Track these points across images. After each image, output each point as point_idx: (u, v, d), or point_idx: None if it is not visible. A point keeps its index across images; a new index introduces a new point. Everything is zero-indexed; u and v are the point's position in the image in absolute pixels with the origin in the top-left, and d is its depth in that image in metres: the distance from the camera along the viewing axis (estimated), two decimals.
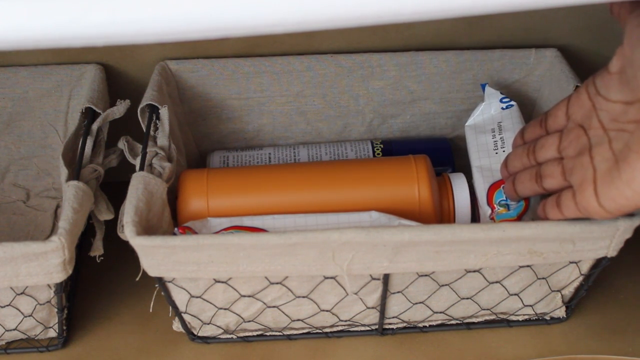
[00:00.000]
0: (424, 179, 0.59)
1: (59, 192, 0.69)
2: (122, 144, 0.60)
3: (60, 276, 0.53)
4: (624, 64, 0.45)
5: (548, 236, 0.51)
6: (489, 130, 0.64)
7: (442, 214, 0.61)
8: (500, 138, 0.63)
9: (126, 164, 0.60)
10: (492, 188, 0.60)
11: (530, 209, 0.59)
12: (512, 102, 0.65)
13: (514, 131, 0.63)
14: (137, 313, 0.64)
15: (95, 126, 0.61)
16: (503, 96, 0.65)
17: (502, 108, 0.65)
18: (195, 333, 0.60)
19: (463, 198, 0.61)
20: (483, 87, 0.66)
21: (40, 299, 0.56)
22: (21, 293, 0.55)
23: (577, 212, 0.49)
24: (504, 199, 0.59)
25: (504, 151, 0.62)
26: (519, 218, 0.59)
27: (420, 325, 0.61)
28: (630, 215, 0.52)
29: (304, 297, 0.56)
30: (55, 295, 0.56)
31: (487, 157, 0.63)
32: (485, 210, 0.60)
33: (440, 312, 0.59)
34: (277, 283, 0.55)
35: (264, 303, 0.57)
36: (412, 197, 0.59)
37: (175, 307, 0.57)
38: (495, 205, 0.60)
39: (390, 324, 0.60)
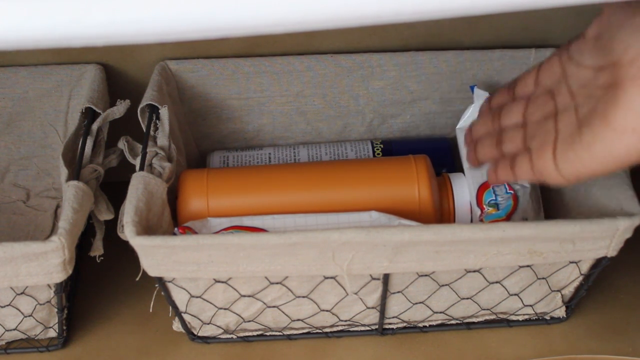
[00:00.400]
0: (424, 179, 0.59)
1: (59, 192, 0.69)
2: (122, 144, 0.60)
3: (60, 276, 0.53)
4: (601, 30, 0.45)
5: (548, 236, 0.51)
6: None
7: (442, 214, 0.61)
8: None
9: (126, 164, 0.60)
10: (482, 188, 0.60)
11: (519, 209, 0.59)
12: None
13: None
14: (137, 313, 0.64)
15: (95, 126, 0.61)
16: None
17: None
18: (195, 333, 0.60)
19: (463, 198, 0.61)
20: (472, 88, 0.66)
21: (40, 299, 0.56)
22: (21, 293, 0.55)
23: (532, 174, 0.47)
24: (493, 198, 0.59)
25: None
26: (508, 218, 0.59)
27: (420, 325, 0.61)
28: (630, 215, 0.52)
29: (304, 297, 0.56)
30: (55, 295, 0.56)
31: None
32: (475, 211, 0.60)
33: (440, 312, 0.59)
34: (277, 283, 0.55)
35: (264, 303, 0.57)
36: (412, 197, 0.59)
37: (175, 307, 0.57)
38: (484, 206, 0.60)
39: (390, 324, 0.60)
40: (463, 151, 0.64)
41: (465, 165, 0.63)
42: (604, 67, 0.44)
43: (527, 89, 0.52)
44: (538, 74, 0.51)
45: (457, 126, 0.66)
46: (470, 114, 0.66)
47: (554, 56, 0.49)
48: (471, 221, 0.61)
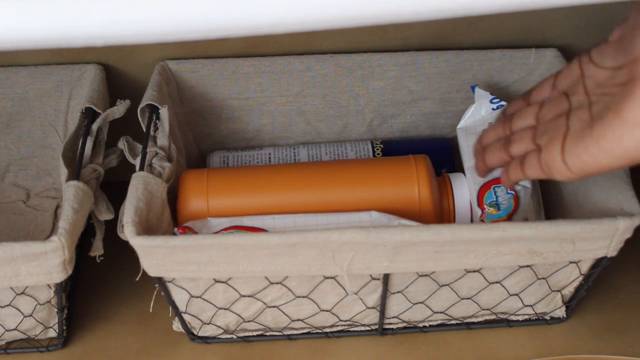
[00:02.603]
0: (424, 179, 0.59)
1: (59, 192, 0.69)
2: (122, 144, 0.60)
3: (60, 276, 0.53)
4: (624, 33, 0.45)
5: (548, 236, 0.51)
6: (480, 131, 0.64)
7: (442, 214, 0.61)
8: None
9: (126, 164, 0.60)
10: (483, 189, 0.60)
11: (520, 209, 0.59)
12: (503, 103, 0.65)
13: None
14: (137, 313, 0.64)
15: (95, 126, 0.61)
16: (493, 97, 0.65)
17: (493, 109, 0.65)
18: (195, 333, 0.60)
19: (463, 198, 0.61)
20: (473, 88, 0.66)
21: (40, 299, 0.56)
22: (21, 293, 0.55)
23: (540, 170, 0.48)
24: (494, 199, 0.59)
25: None
26: (509, 218, 0.59)
27: (420, 325, 0.61)
28: (630, 215, 0.52)
29: (304, 297, 0.56)
30: (55, 295, 0.56)
31: None
32: (476, 211, 0.60)
33: (440, 312, 0.59)
34: (277, 283, 0.55)
35: (264, 303, 0.57)
36: (412, 197, 0.59)
37: (175, 307, 0.57)
38: (485, 207, 0.60)
39: (390, 324, 0.60)
40: (464, 151, 0.64)
41: (466, 165, 0.63)
42: (623, 66, 0.44)
43: (544, 94, 0.52)
44: (556, 79, 0.51)
45: (458, 126, 0.66)
46: (471, 114, 0.66)
47: (575, 61, 0.50)
48: (472, 221, 0.61)
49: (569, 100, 0.48)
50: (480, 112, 0.65)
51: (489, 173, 0.57)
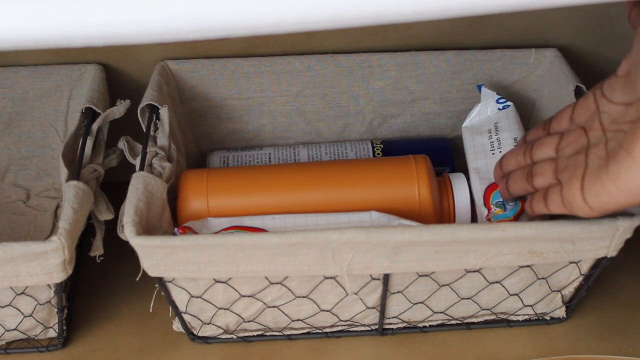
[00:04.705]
0: (424, 179, 0.59)
1: (59, 192, 0.69)
2: (122, 144, 0.60)
3: (60, 276, 0.53)
4: (630, 67, 0.46)
5: (548, 236, 0.51)
6: (486, 131, 0.64)
7: (442, 214, 0.61)
8: (497, 139, 0.63)
9: (126, 164, 0.60)
10: (489, 189, 0.60)
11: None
12: (509, 103, 0.65)
13: (510, 132, 0.63)
14: (137, 313, 0.64)
15: (95, 126, 0.61)
16: (499, 97, 0.65)
17: (499, 109, 0.65)
18: (195, 333, 0.60)
19: (463, 198, 0.61)
20: (479, 88, 0.66)
21: (40, 299, 0.56)
22: (21, 293, 0.55)
23: (562, 206, 0.49)
24: (501, 200, 0.59)
25: (500, 152, 0.62)
26: (516, 219, 0.59)
27: (420, 325, 0.61)
28: (630, 215, 0.52)
29: (304, 297, 0.56)
30: (55, 295, 0.56)
31: (483, 158, 0.63)
32: (482, 211, 0.60)
33: (440, 312, 0.59)
34: (277, 283, 0.55)
35: (264, 303, 0.57)
36: (412, 197, 0.59)
37: (175, 307, 0.57)
38: (491, 206, 0.60)
39: (390, 324, 0.60)
40: (469, 150, 0.64)
41: (471, 165, 0.63)
42: (632, 103, 0.45)
43: (562, 124, 0.53)
44: (573, 111, 0.52)
45: (463, 125, 0.66)
46: (476, 113, 0.66)
47: (589, 94, 0.50)
48: (476, 220, 0.61)
49: (587, 135, 0.49)
50: (486, 111, 0.65)
51: (514, 200, 0.59)
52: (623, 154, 0.43)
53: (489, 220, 0.60)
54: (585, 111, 0.51)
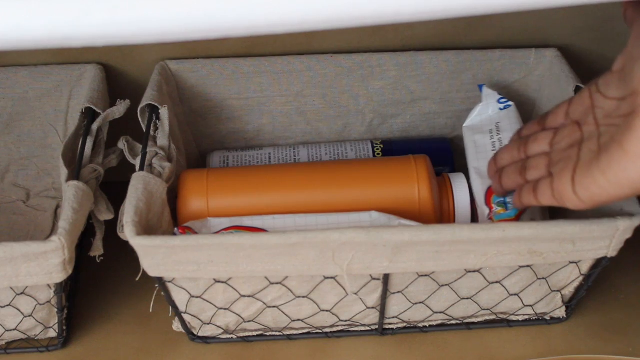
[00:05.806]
0: (424, 179, 0.59)
1: (59, 192, 0.69)
2: (122, 144, 0.60)
3: (60, 276, 0.53)
4: (624, 63, 0.46)
5: (548, 236, 0.51)
6: (487, 131, 0.64)
7: (442, 214, 0.61)
8: (499, 139, 0.63)
9: (126, 164, 0.60)
10: (491, 189, 0.60)
11: (528, 210, 0.59)
12: (510, 103, 0.65)
13: (511, 131, 0.63)
14: (137, 313, 0.64)
15: (95, 126, 0.61)
16: (501, 97, 0.65)
17: (500, 109, 0.65)
18: (195, 333, 0.60)
19: (463, 198, 0.61)
20: (480, 87, 0.66)
21: (40, 299, 0.56)
22: (21, 293, 0.55)
23: (552, 198, 0.49)
24: (502, 199, 0.59)
25: None
26: (518, 218, 0.59)
27: (420, 325, 0.61)
28: (630, 215, 0.52)
29: (304, 297, 0.56)
30: (55, 295, 0.56)
31: (484, 158, 0.63)
32: (483, 210, 0.60)
33: (440, 312, 0.59)
34: (277, 283, 0.55)
35: (264, 303, 0.57)
36: (412, 197, 0.59)
37: (175, 307, 0.57)
38: (493, 206, 0.60)
39: (390, 324, 0.60)
40: (470, 150, 0.64)
41: (472, 164, 0.63)
42: (626, 97, 0.45)
43: (558, 120, 0.53)
44: (569, 107, 0.52)
45: (464, 124, 0.66)
46: (478, 113, 0.66)
47: (585, 90, 0.51)
48: (477, 220, 0.61)
49: (582, 130, 0.49)
50: (488, 111, 0.65)
51: (507, 195, 0.59)
52: (615, 146, 0.43)
53: (490, 219, 0.60)
54: (581, 107, 0.51)
